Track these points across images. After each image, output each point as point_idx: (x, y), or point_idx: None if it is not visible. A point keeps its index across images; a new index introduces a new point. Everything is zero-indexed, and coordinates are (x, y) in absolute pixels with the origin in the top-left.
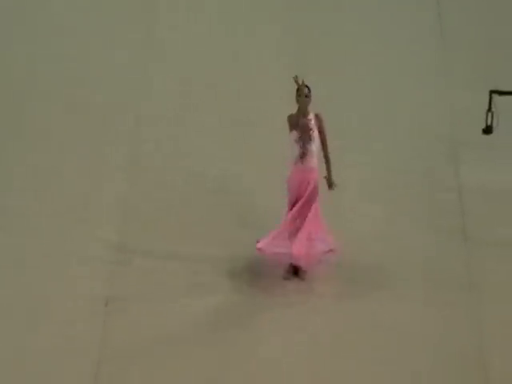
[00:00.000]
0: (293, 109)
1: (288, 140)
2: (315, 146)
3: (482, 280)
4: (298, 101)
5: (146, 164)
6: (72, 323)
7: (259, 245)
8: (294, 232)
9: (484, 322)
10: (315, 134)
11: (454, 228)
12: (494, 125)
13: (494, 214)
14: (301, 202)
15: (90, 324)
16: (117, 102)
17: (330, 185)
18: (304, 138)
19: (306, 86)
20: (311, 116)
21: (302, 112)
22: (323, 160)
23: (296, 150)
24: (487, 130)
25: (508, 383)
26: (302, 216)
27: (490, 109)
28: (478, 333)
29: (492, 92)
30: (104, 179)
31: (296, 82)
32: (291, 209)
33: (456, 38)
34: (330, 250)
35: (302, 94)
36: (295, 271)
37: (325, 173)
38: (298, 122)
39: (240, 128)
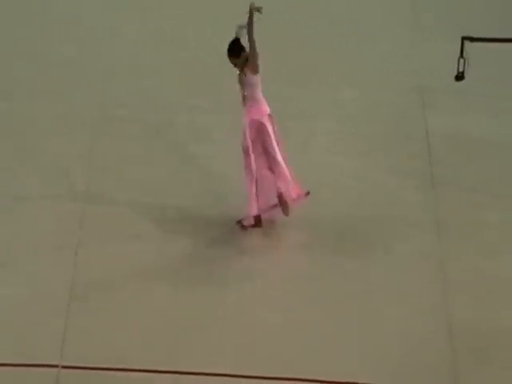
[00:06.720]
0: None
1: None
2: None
3: (449, 224)
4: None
5: (113, 115)
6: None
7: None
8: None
9: (448, 267)
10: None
11: (422, 174)
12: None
13: (461, 160)
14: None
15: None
16: (86, 54)
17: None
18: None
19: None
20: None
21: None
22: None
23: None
24: (459, 77)
25: (469, 326)
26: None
27: (462, 55)
28: (441, 275)
29: (464, 38)
30: (72, 130)
31: None
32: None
33: None
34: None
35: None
36: (256, 223)
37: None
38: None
39: (208, 80)
